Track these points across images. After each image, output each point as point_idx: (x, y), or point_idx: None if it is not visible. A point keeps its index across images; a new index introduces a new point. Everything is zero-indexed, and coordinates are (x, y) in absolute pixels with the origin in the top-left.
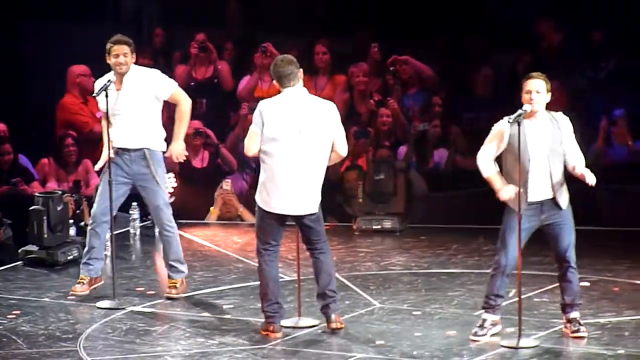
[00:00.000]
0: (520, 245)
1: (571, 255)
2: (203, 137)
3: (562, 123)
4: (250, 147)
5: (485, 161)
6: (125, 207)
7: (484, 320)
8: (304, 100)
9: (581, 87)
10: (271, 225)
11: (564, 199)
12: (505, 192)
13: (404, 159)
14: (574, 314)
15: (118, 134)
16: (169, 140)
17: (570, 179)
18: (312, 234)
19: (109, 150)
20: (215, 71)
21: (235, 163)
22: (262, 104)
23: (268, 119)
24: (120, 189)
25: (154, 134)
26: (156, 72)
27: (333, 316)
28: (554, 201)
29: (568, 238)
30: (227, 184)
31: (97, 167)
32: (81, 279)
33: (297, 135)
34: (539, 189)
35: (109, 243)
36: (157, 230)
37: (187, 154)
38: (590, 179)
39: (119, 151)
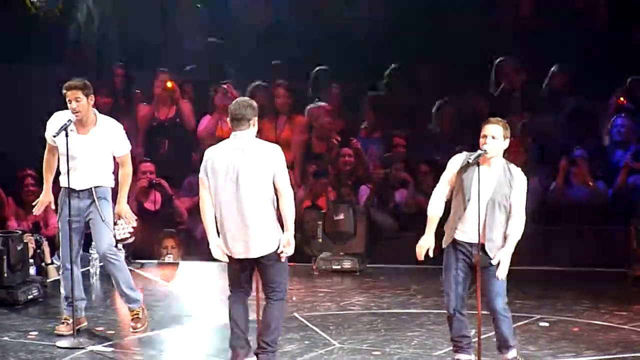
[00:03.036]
0: (460, 287)
1: (498, 304)
2: (158, 189)
3: (516, 180)
4: (200, 191)
5: (434, 199)
6: (85, 246)
7: None
8: (247, 145)
9: (542, 127)
10: (233, 269)
11: (494, 251)
12: (423, 240)
13: (365, 201)
14: (510, 354)
15: (72, 175)
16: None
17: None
18: (267, 280)
19: (49, 192)
20: (178, 111)
21: (186, 215)
22: (207, 152)
23: (210, 167)
24: (77, 227)
25: (103, 173)
26: (119, 130)
27: None
28: (483, 249)
29: (495, 289)
30: None
31: (36, 211)
32: (65, 319)
33: (236, 181)
34: (470, 231)
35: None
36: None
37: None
38: (499, 273)
39: (71, 191)
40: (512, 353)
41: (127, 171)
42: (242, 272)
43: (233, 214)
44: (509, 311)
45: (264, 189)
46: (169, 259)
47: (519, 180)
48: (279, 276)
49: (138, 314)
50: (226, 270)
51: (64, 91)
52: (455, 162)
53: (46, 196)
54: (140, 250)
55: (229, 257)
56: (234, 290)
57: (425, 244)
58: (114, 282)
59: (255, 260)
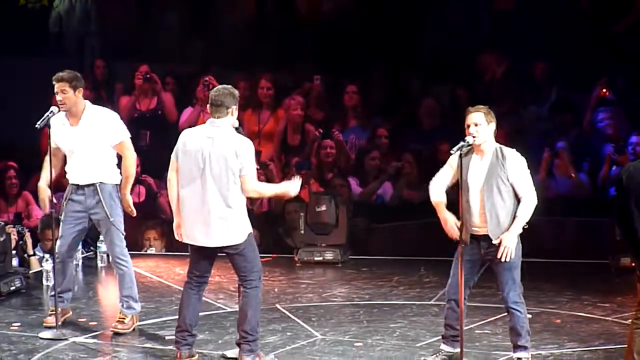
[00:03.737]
0: (463, 277)
1: (509, 294)
2: (144, 185)
3: (509, 160)
4: (169, 172)
5: (434, 186)
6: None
7: (440, 350)
8: (219, 135)
9: (524, 119)
10: (194, 256)
11: (498, 234)
12: (444, 220)
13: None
14: (518, 354)
15: (73, 170)
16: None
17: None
18: (237, 269)
19: (51, 187)
20: (160, 102)
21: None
22: (182, 135)
23: (181, 149)
24: (79, 224)
25: (106, 168)
26: (113, 117)
27: (239, 357)
28: (488, 236)
29: (502, 277)
30: None
31: (44, 209)
32: (52, 311)
33: (202, 168)
34: (477, 222)
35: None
36: (99, 261)
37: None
38: (501, 253)
39: (75, 187)
40: (520, 354)
41: (126, 163)
42: (200, 260)
43: (195, 201)
44: (523, 305)
45: (229, 179)
46: (151, 250)
47: (513, 159)
48: (248, 264)
49: (125, 318)
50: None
51: (53, 82)
52: (453, 157)
53: (42, 193)
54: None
55: (191, 245)
56: (189, 277)
57: (448, 224)
58: (118, 284)
59: (221, 250)
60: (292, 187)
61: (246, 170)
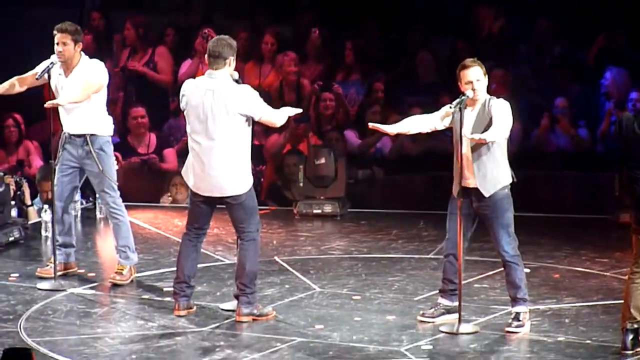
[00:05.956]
0: (460, 231)
1: (503, 248)
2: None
3: (494, 107)
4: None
5: (421, 115)
6: None
7: (438, 304)
8: (218, 87)
9: (524, 74)
10: (194, 208)
11: (487, 187)
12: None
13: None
14: (516, 308)
15: (66, 120)
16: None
17: (514, 166)
18: (235, 219)
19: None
20: (152, 55)
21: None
22: (183, 86)
23: (186, 102)
24: (70, 173)
25: (96, 120)
26: (97, 64)
27: (237, 309)
28: (478, 190)
29: (495, 231)
30: None
31: None
32: (49, 262)
33: (205, 121)
34: (468, 175)
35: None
36: (98, 212)
37: (61, 104)
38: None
39: (68, 136)
40: (519, 308)
41: (84, 85)
42: (199, 211)
43: (199, 152)
44: (519, 258)
45: (232, 131)
46: (180, 195)
47: (496, 105)
48: (247, 216)
49: (123, 269)
50: (188, 208)
51: (55, 32)
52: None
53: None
54: (137, 193)
55: (193, 193)
56: (188, 229)
57: (383, 127)
58: (113, 236)
59: (221, 200)
60: (289, 111)
61: (259, 114)
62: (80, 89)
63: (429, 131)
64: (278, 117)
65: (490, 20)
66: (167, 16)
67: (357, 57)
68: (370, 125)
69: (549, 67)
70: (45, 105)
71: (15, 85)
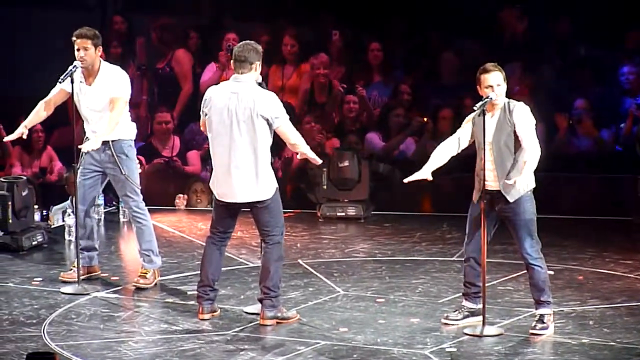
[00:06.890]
0: (483, 234)
1: (526, 251)
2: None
3: (515, 113)
4: (202, 129)
5: (443, 144)
6: None
7: (462, 307)
8: (243, 90)
9: (547, 76)
10: (219, 212)
11: (512, 193)
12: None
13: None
14: (540, 310)
15: (88, 126)
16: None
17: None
18: (260, 224)
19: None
20: (171, 59)
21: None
22: (208, 91)
23: (208, 106)
24: (92, 177)
25: (119, 124)
26: (120, 75)
27: (261, 312)
28: (501, 193)
29: (518, 234)
30: None
31: (8, 138)
32: (73, 266)
33: (230, 124)
34: (490, 179)
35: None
36: (121, 216)
37: (95, 148)
38: (507, 193)
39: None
40: (543, 310)
41: (112, 115)
42: (224, 215)
43: (223, 157)
44: (542, 260)
45: (255, 135)
46: (198, 203)
47: (518, 111)
48: (272, 219)
49: (147, 273)
50: (213, 212)
51: (74, 38)
52: (471, 115)
53: (20, 128)
54: (160, 196)
55: (217, 199)
56: (212, 232)
57: (417, 175)
58: (136, 240)
59: (247, 205)
60: (317, 158)
61: (278, 122)
62: (108, 125)
63: (459, 152)
64: (295, 134)
65: (514, 21)
66: (188, 18)
67: (380, 59)
68: (405, 180)
69: (571, 68)
70: (81, 149)
71: (40, 111)
